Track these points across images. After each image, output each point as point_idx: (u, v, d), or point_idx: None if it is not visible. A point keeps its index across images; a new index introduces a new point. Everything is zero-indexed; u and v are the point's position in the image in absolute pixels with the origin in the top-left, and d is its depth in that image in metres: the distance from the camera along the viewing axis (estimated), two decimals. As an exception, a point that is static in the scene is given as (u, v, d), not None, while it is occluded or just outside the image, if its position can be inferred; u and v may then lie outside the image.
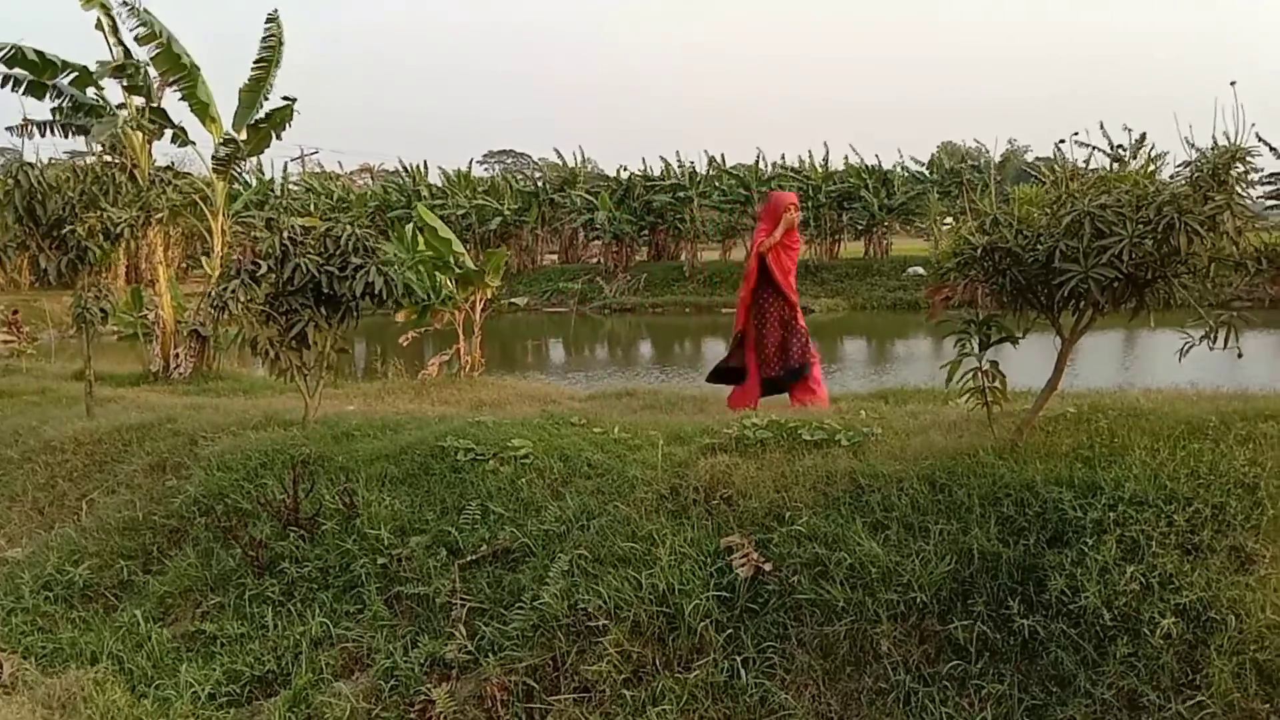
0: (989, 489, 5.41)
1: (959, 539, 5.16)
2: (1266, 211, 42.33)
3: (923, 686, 4.72)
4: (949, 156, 48.86)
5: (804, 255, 46.17)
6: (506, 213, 49.89)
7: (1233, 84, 5.27)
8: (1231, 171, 5.13)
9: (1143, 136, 34.89)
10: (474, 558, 6.30)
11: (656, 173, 49.93)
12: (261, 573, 6.84)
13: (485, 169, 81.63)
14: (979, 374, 6.02)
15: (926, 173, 46.68)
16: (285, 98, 15.97)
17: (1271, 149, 38.68)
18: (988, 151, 51.20)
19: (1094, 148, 37.24)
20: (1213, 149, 5.23)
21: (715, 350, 30.88)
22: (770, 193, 9.15)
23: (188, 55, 15.72)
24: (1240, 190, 5.19)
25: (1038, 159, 57.73)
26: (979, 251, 5.62)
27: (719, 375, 10.24)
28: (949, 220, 6.07)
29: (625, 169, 51.07)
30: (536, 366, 26.58)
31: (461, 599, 6.04)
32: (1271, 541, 4.72)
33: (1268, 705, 4.10)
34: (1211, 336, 5.26)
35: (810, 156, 48.21)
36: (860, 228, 46.90)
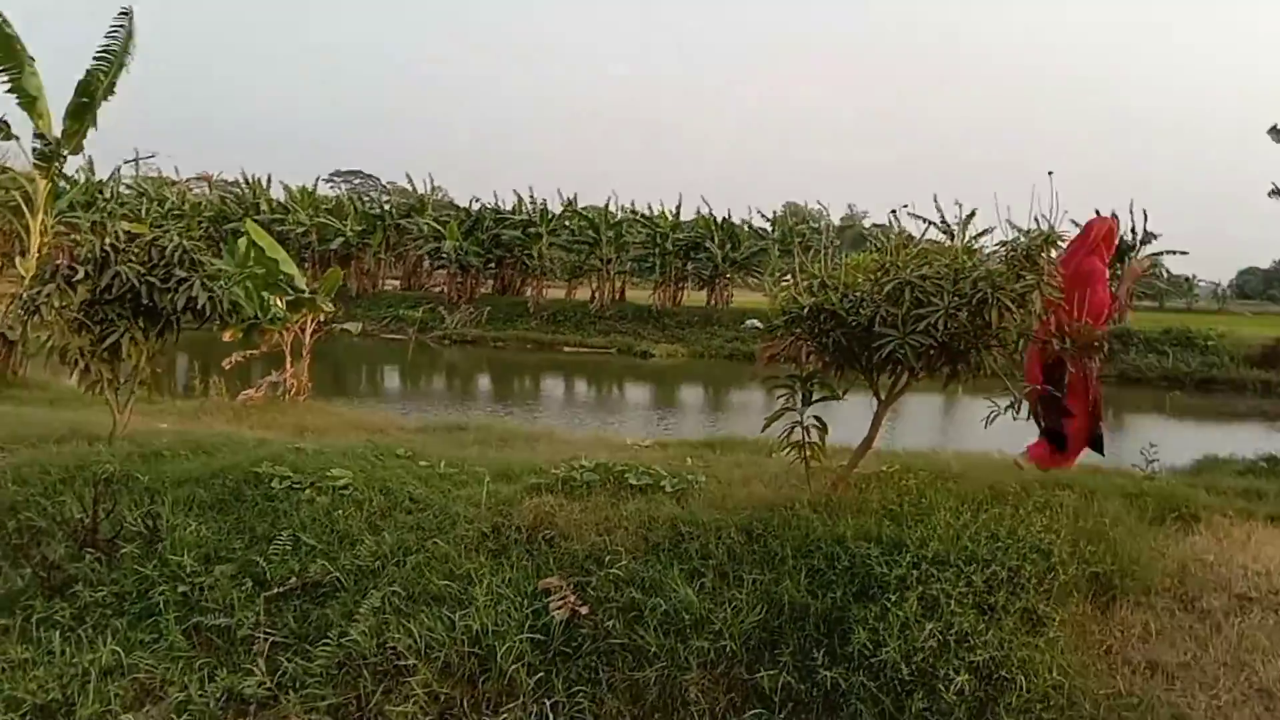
0: (802, 541, 5.56)
1: (771, 589, 5.28)
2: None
3: (728, 734, 4.79)
4: (792, 215, 50.41)
5: (647, 300, 46.96)
6: (349, 234, 48.90)
7: (1050, 174, 5.64)
8: (1043, 254, 5.47)
9: (972, 213, 36.94)
10: (281, 590, 6.08)
11: (508, 206, 49.85)
12: (52, 595, 6.43)
13: (331, 187, 79.75)
14: (800, 429, 6.22)
15: (770, 229, 47.95)
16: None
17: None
18: (827, 214, 53.14)
19: (927, 220, 39.09)
20: (1028, 232, 5.57)
21: (553, 387, 30.89)
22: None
23: (20, 43, 14.86)
24: (1050, 271, 5.55)
25: (875, 224, 60.23)
26: (806, 311, 5.82)
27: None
28: (787, 277, 6.26)
29: (477, 200, 50.88)
30: (370, 394, 25.99)
31: (265, 632, 5.81)
32: (1061, 605, 5.00)
33: (1051, 763, 4.32)
34: (1016, 406, 5.57)
35: (661, 205, 49.02)
36: (704, 277, 47.75)
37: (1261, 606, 5.07)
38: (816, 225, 49.08)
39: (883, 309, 5.52)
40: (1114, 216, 7.21)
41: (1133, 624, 4.98)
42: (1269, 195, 18.75)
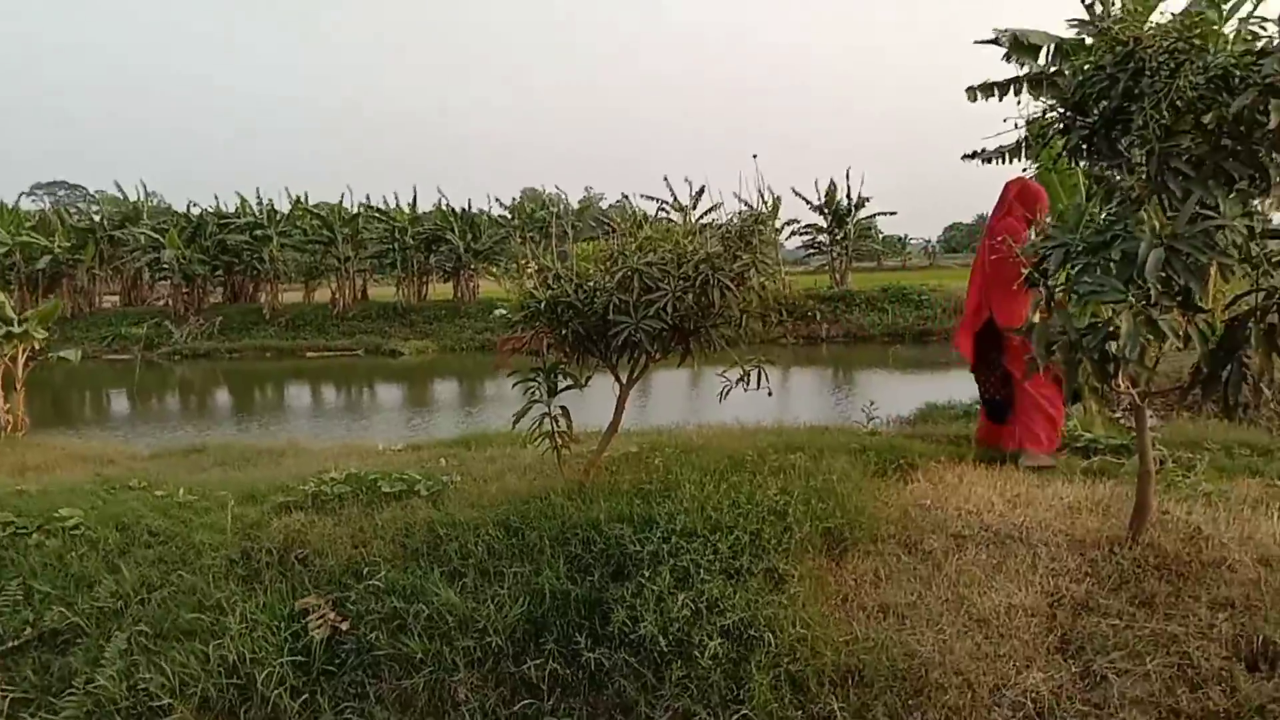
0: (559, 530, 5.69)
1: (532, 580, 5.38)
2: (806, 258, 47.65)
3: (499, 729, 4.86)
4: (530, 201, 50.57)
5: (392, 297, 45.99)
6: (58, 250, 45.24)
7: (754, 157, 5.98)
8: (755, 234, 5.80)
9: (701, 190, 38.24)
10: (16, 643, 5.68)
11: (231, 209, 47.45)
12: None
13: (34, 201, 73.51)
14: (549, 419, 6.34)
15: (510, 217, 47.93)
16: None
17: (806, 202, 43.57)
18: (565, 198, 53.66)
19: (660, 201, 40.18)
20: (740, 213, 5.88)
21: (297, 396, 29.80)
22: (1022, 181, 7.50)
23: None
24: (764, 250, 5.89)
25: (611, 205, 61.35)
26: (543, 305, 5.93)
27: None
28: (525, 268, 6.33)
29: (196, 205, 48.11)
30: (95, 422, 24.25)
31: (1, 690, 5.42)
32: (799, 561, 5.36)
33: (800, 711, 4.62)
34: (745, 379, 5.90)
35: (397, 199, 48.00)
36: (448, 270, 47.20)
37: (974, 543, 5.60)
38: (555, 210, 49.46)
39: (615, 297, 5.71)
40: (1025, 175, 7.05)
41: (864, 571, 5.39)
42: (962, 158, 20.44)
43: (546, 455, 6.59)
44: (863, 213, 43.83)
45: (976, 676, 4.56)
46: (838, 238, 43.35)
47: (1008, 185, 7.42)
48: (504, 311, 6.37)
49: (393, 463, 7.72)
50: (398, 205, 47.38)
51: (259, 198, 47.16)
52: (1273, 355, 4.53)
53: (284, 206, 47.15)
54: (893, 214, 53.18)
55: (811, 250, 45.56)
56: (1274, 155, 4.47)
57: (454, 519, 5.99)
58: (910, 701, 4.51)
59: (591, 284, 5.92)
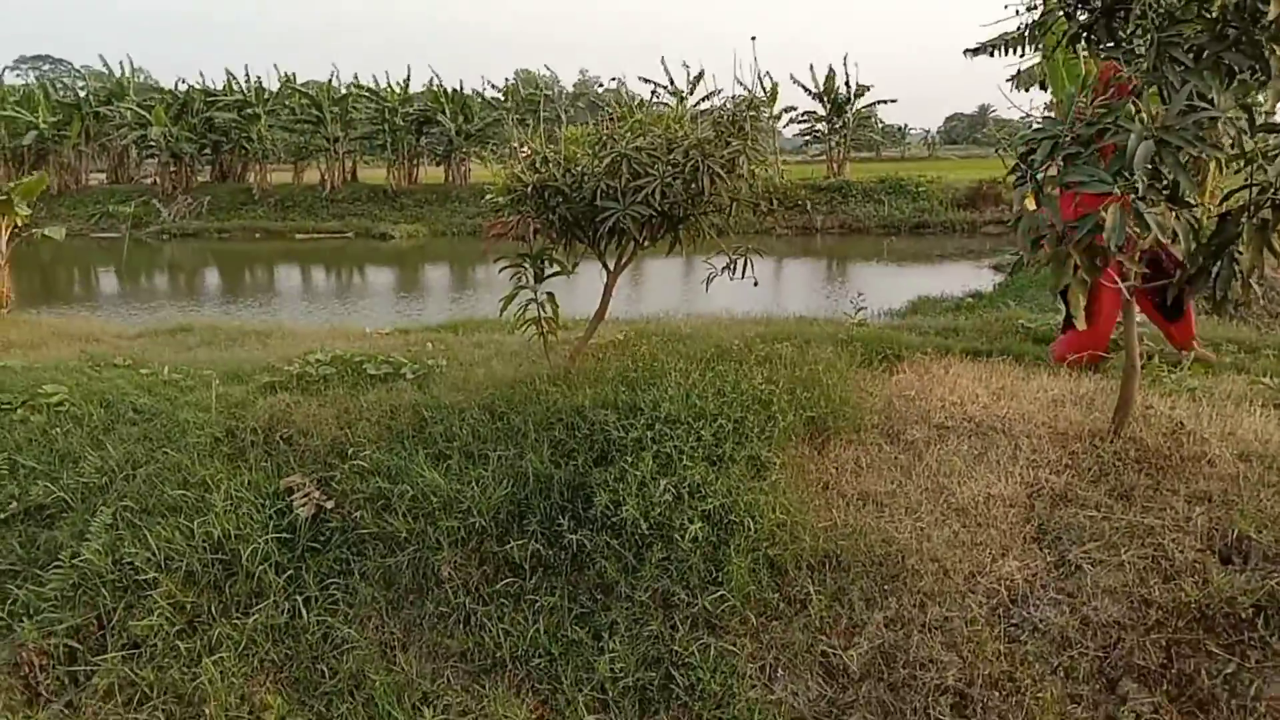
0: (544, 415, 5.70)
1: (516, 464, 5.41)
2: (804, 147, 47.09)
3: (481, 606, 4.95)
4: (524, 84, 49.67)
5: (382, 180, 45.45)
6: (43, 126, 44.51)
7: (752, 39, 5.84)
8: (748, 120, 5.68)
9: (699, 75, 37.55)
10: (2, 517, 5.73)
11: (219, 87, 46.50)
12: None
13: (18, 76, 71.91)
14: (535, 305, 6.31)
15: (503, 99, 47.10)
16: None
17: (805, 89, 42.83)
18: (559, 81, 52.71)
19: (656, 85, 39.49)
20: (734, 98, 5.76)
21: (286, 278, 29.69)
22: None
23: None
24: (757, 137, 5.78)
25: (607, 89, 60.24)
26: (530, 189, 5.84)
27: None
28: (519, 151, 6.21)
29: (184, 81, 47.12)
30: (83, 300, 24.16)
31: (-11, 563, 5.49)
32: (782, 450, 5.39)
33: (777, 593, 4.71)
34: (732, 267, 5.85)
35: (388, 78, 47.05)
36: (439, 153, 46.54)
37: (957, 434, 5.64)
38: (550, 93, 48.66)
39: (603, 182, 5.62)
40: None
41: (846, 460, 5.44)
42: (964, 54, 20.06)
43: (533, 341, 6.58)
44: (862, 101, 43.15)
45: (953, 564, 4.63)
46: (836, 126, 42.77)
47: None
48: (493, 195, 6.28)
49: (379, 346, 7.70)
50: (388, 84, 46.47)
51: (247, 76, 46.25)
52: (1263, 251, 4.50)
53: (273, 86, 46.27)
54: (893, 102, 52.26)
55: (809, 139, 45.00)
56: (1275, 47, 4.35)
57: (439, 402, 6.00)
58: (886, 586, 4.59)
59: (580, 169, 5.81)
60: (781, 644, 4.49)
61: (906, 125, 69.52)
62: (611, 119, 6.17)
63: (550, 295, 6.35)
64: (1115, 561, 4.52)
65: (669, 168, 5.57)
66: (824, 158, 44.05)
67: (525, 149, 6.12)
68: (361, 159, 48.67)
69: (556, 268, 6.28)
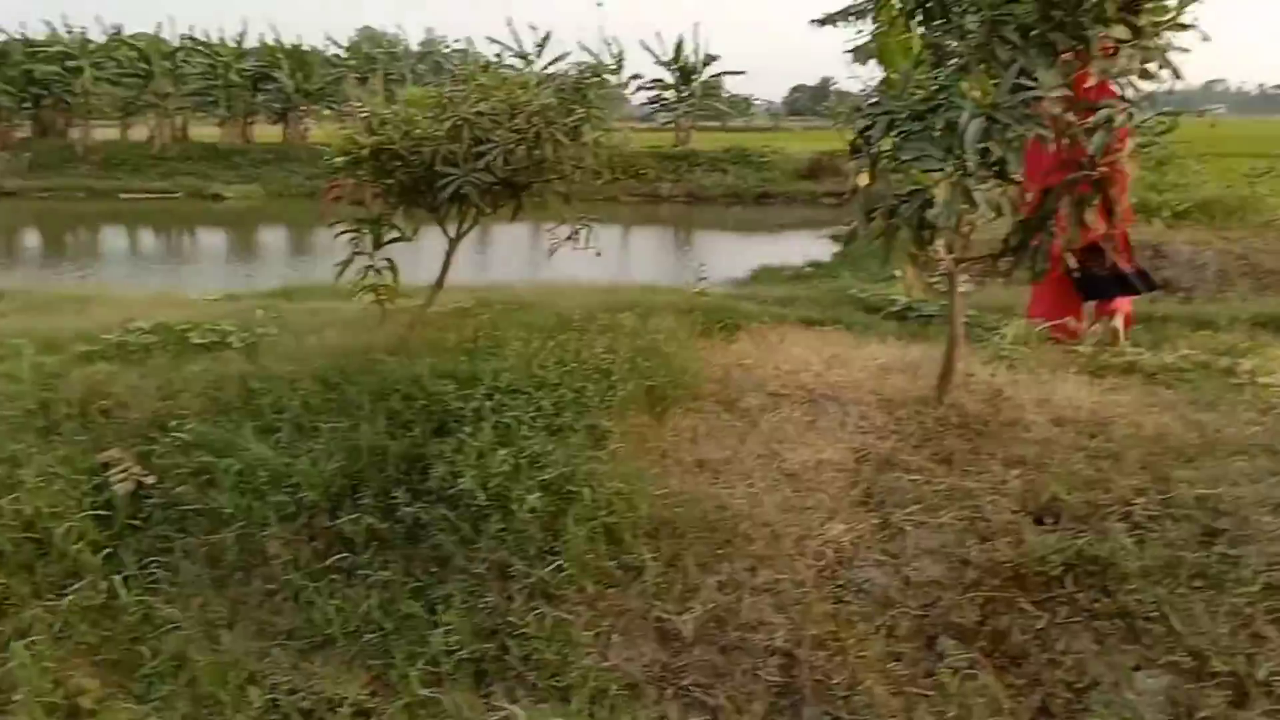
0: (379, 385, 5.58)
1: (349, 436, 5.28)
2: (652, 115, 47.22)
3: (312, 582, 4.80)
4: (368, 42, 48.25)
5: (215, 138, 43.58)
6: None
7: (599, 4, 5.80)
8: (591, 88, 5.66)
9: (546, 36, 37.17)
10: None
11: (41, 38, 43.57)
12: None
13: None
14: (372, 272, 6.16)
15: (345, 56, 45.66)
16: None
17: (655, 57, 42.90)
18: (406, 39, 51.40)
19: (503, 45, 38.89)
20: (577, 65, 5.72)
21: (112, 240, 28.24)
22: None
23: None
24: (599, 105, 5.76)
25: (455, 50, 58.96)
26: (367, 152, 5.68)
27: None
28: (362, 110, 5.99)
29: (1, 32, 44.00)
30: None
31: None
32: (622, 418, 5.42)
33: (614, 561, 4.73)
34: (575, 237, 5.83)
35: (222, 33, 44.98)
36: (276, 111, 44.82)
37: (790, 401, 5.78)
38: (395, 51, 47.40)
39: (444, 147, 5.52)
40: None
41: (684, 428, 5.51)
42: (810, 23, 20.38)
43: (370, 309, 6.43)
44: (710, 71, 43.52)
45: (783, 527, 4.75)
46: (683, 95, 43.04)
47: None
48: (329, 157, 6.09)
49: (206, 313, 7.39)
50: (222, 39, 44.47)
51: (67, 26, 43.51)
52: (1081, 225, 4.73)
53: (99, 37, 43.67)
54: (741, 74, 52.91)
55: (657, 107, 45.14)
56: (1097, 28, 4.56)
57: (269, 372, 5.81)
58: (719, 551, 4.67)
59: (420, 132, 5.68)
60: (617, 611, 4.52)
61: (752, 96, 70.39)
62: (455, 80, 6.05)
63: (389, 261, 6.21)
64: (936, 523, 4.71)
65: (512, 134, 5.50)
66: (672, 126, 44.27)
67: (364, 109, 5.95)
68: (194, 116, 46.45)
69: (396, 233, 6.14)
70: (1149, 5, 4.59)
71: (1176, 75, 5.29)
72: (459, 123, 5.50)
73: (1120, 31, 4.48)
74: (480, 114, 5.54)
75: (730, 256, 21.29)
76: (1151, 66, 4.70)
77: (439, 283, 6.36)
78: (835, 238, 23.30)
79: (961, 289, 5.56)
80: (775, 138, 48.99)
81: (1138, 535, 4.45)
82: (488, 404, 5.31)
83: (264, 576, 4.88)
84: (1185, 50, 4.96)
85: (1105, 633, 4.12)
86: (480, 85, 5.84)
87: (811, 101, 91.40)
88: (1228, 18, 4.89)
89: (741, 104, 65.87)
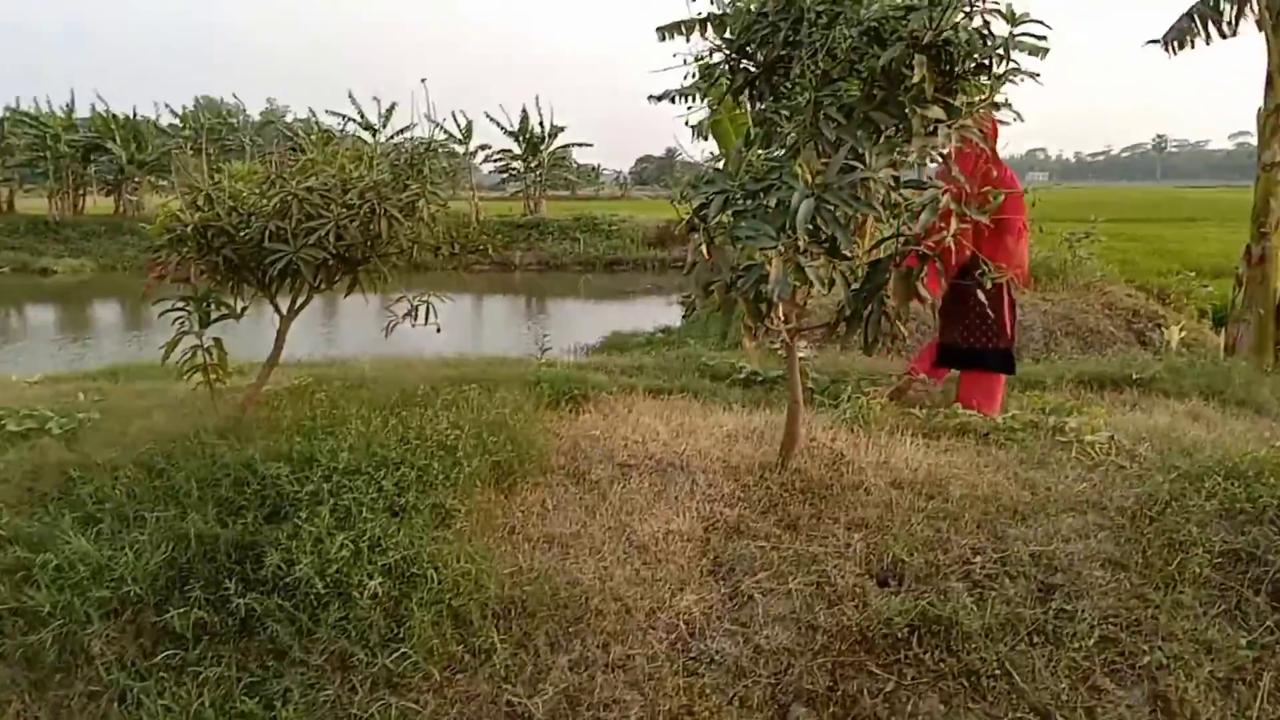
0: (209, 471, 5.33)
1: (177, 525, 5.00)
2: (503, 184, 47.41)
3: (138, 682, 4.50)
4: (206, 111, 47.18)
5: (43, 210, 41.67)
6: None
7: (423, 81, 5.76)
8: (427, 162, 5.61)
9: (392, 107, 37.01)
10: None
11: None
12: None
13: None
14: (201, 352, 5.92)
15: (180, 126, 44.48)
16: None
17: (501, 128, 43.15)
18: (245, 110, 50.45)
19: (346, 117, 38.54)
20: (411, 139, 5.67)
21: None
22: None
23: None
24: (435, 180, 5.71)
25: (297, 119, 58.10)
26: (190, 229, 5.48)
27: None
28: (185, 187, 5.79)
29: None
30: None
31: None
32: (468, 496, 5.31)
33: (461, 645, 4.59)
34: (413, 315, 5.73)
35: (49, 103, 43.26)
36: (109, 182, 43.23)
37: (639, 472, 5.76)
38: (232, 122, 46.39)
39: (272, 223, 5.36)
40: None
41: (533, 503, 5.42)
42: (649, 100, 20.83)
43: (201, 390, 6.16)
44: (557, 142, 44.04)
45: (634, 601, 4.70)
46: (532, 166, 43.38)
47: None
48: (151, 234, 5.85)
49: (25, 397, 6.97)
50: (50, 110, 42.78)
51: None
52: (908, 297, 4.88)
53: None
54: (588, 145, 53.70)
55: (506, 177, 45.38)
56: (916, 108, 4.76)
57: (90, 460, 5.49)
58: (571, 629, 4.59)
59: (247, 209, 5.51)
60: (466, 696, 4.37)
61: (600, 165, 71.60)
62: (283, 157, 5.91)
63: (217, 341, 5.98)
64: (784, 590, 4.74)
65: (344, 209, 5.39)
66: (521, 195, 44.50)
67: (187, 186, 5.75)
68: (21, 188, 44.42)
69: (224, 310, 5.92)
70: (965, 85, 4.82)
71: (993, 151, 5.60)
72: (288, 199, 5.36)
73: (937, 112, 4.68)
74: (310, 190, 5.41)
75: (583, 323, 21.39)
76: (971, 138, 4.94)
77: (272, 360, 6.14)
78: (683, 303, 23.76)
79: (802, 353, 5.68)
80: (624, 206, 49.76)
81: (978, 594, 4.56)
82: (325, 486, 5.12)
83: (86, 678, 4.55)
84: (1005, 123, 5.25)
85: (951, 692, 4.18)
86: (311, 160, 5.72)
87: (658, 171, 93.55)
88: (1047, 89, 5.17)
89: (590, 173, 66.84)
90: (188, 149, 40.10)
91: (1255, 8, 9.86)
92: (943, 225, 4.74)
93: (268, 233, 5.32)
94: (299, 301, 5.96)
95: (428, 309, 5.80)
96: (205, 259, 5.60)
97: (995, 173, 6.41)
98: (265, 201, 5.44)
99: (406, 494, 5.16)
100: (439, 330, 5.82)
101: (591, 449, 6.02)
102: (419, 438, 5.57)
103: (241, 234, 5.42)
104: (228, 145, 41.47)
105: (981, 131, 5.18)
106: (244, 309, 5.91)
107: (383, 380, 6.86)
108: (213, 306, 5.82)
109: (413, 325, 5.84)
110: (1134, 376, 8.09)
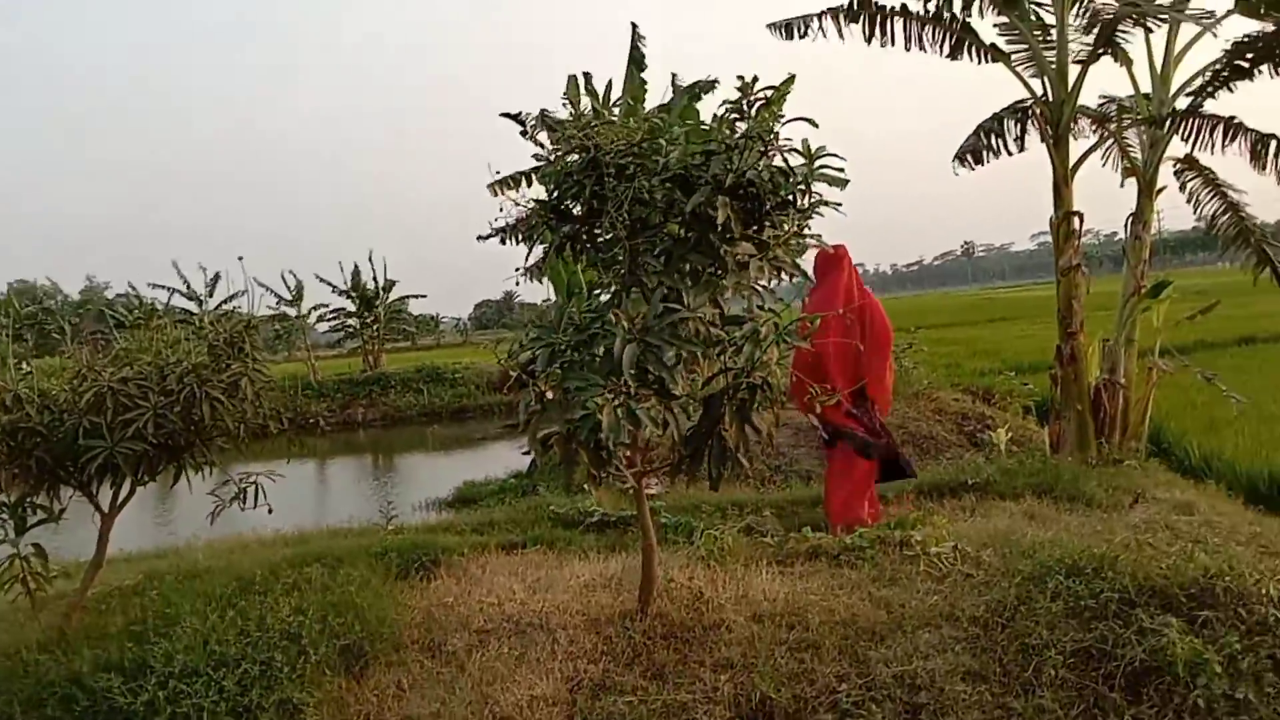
0: (33, 690, 4.93)
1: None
2: (340, 342, 46.65)
3: None
4: (20, 296, 45.32)
5: None
6: None
7: (240, 259, 5.65)
8: (247, 340, 5.46)
9: (216, 276, 36.23)
10: None
11: None
12: None
13: None
14: (19, 561, 5.53)
15: (-7, 317, 42.48)
16: None
17: (332, 287, 42.63)
18: (62, 291, 48.66)
19: (171, 289, 37.52)
20: (225, 319, 5.52)
21: None
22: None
23: None
24: (258, 357, 5.55)
25: (119, 295, 56.22)
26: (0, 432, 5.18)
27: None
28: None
29: None
30: None
31: None
32: (317, 687, 5.01)
33: None
34: (241, 497, 5.50)
35: None
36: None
37: (497, 636, 5.57)
38: (48, 305, 44.67)
39: (86, 419, 5.10)
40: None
41: (387, 685, 5.17)
42: (478, 239, 20.99)
43: (22, 601, 5.73)
44: (393, 295, 43.82)
45: (502, 780, 4.50)
46: (368, 321, 42.93)
47: (841, 252, 7.54)
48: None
49: None
50: None
51: None
52: (745, 428, 4.95)
53: None
54: (423, 296, 53.50)
55: (343, 334, 44.74)
56: (726, 248, 4.91)
57: (-108, 696, 4.99)
58: (437, 821, 4.35)
59: (58, 406, 5.24)
60: None
61: (439, 314, 71.55)
62: (95, 346, 5.67)
63: (37, 546, 5.60)
64: (655, 746, 4.61)
65: (162, 397, 5.17)
66: (360, 351, 43.88)
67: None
68: None
69: (43, 515, 5.56)
70: (774, 219, 5.02)
71: (806, 277, 5.83)
72: (101, 393, 5.12)
73: (748, 248, 4.85)
74: (124, 380, 5.18)
75: (433, 476, 20.93)
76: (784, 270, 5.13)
77: (96, 562, 5.77)
78: (526, 454, 23.54)
79: (652, 490, 5.67)
80: (465, 353, 49.52)
81: (846, 724, 4.54)
82: (161, 694, 4.78)
83: None
84: (817, 245, 5.46)
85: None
86: (124, 349, 5.50)
87: (497, 314, 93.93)
88: (859, 206, 5.44)
89: (429, 323, 66.58)
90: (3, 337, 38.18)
91: (1037, 124, 10.63)
92: (768, 358, 4.85)
93: (82, 429, 5.05)
94: (120, 497, 5.64)
95: (256, 489, 5.56)
96: (17, 462, 5.27)
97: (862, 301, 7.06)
98: (78, 398, 5.17)
99: (250, 693, 4.86)
100: (270, 511, 5.57)
101: (446, 617, 5.81)
102: (260, 629, 5.27)
103: (55, 433, 5.13)
104: (46, 327, 39.76)
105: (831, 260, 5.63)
106: (62, 510, 5.56)
107: (218, 569, 6.52)
108: (29, 511, 5.45)
109: (241, 509, 5.59)
110: (969, 482, 8.37)
